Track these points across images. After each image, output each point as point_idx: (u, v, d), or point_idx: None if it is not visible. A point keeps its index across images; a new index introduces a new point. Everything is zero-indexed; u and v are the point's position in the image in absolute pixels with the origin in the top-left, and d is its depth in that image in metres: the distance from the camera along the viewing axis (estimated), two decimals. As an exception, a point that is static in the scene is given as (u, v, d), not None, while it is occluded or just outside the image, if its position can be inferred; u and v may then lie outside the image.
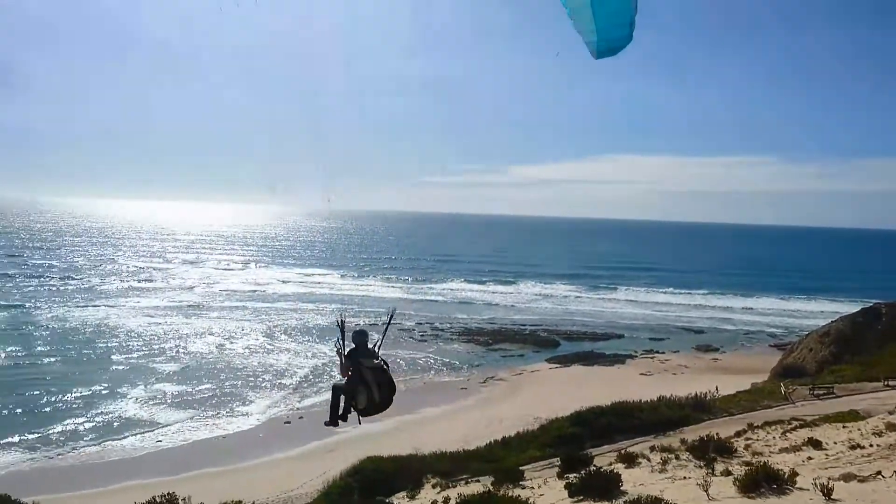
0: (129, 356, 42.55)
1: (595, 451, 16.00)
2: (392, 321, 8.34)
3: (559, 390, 36.86)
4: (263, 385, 37.64)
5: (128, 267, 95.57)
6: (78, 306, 59.72)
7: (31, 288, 70.36)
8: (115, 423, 30.75)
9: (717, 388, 29.21)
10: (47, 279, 77.74)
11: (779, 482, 8.54)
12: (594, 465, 13.36)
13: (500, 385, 39.04)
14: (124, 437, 29.23)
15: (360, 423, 8.23)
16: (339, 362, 7.82)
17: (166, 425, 30.88)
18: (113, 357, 42.19)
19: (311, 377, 39.78)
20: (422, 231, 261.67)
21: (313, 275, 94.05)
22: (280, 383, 38.10)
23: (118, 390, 35.23)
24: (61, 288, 71.54)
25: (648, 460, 13.76)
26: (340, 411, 8.16)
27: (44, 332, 48.43)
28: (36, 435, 28.75)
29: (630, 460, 13.75)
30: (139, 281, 79.93)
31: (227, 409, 33.43)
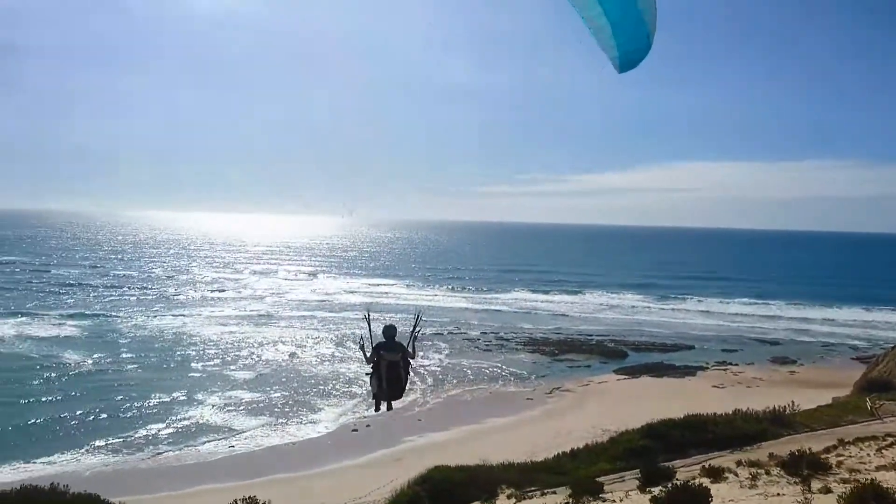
0: (205, 364, 43.95)
1: (674, 464, 15.51)
2: (420, 322, 9.14)
3: (628, 402, 36.12)
4: (332, 393, 38.24)
5: (202, 277, 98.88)
6: (156, 315, 62.14)
7: (112, 297, 73.63)
8: (192, 429, 31.78)
9: (792, 403, 28.05)
10: (127, 289, 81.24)
11: (887, 500, 8.12)
12: (677, 479, 12.97)
13: (567, 396, 38.53)
14: (200, 442, 30.14)
15: (390, 408, 9.12)
16: (363, 355, 8.82)
17: (240, 431, 31.72)
18: (189, 364, 43.65)
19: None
20: (485, 241, 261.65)
21: (379, 285, 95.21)
22: (348, 392, 38.62)
23: (195, 397, 36.42)
24: (140, 298, 74.59)
25: (736, 475, 13.25)
26: (377, 398, 9.16)
27: (125, 340, 50.53)
28: (119, 439, 29.96)
29: (716, 475, 13.27)
30: (212, 291, 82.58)
31: (298, 417, 34.10)
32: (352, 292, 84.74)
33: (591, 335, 58.18)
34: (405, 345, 9.00)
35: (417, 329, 9.02)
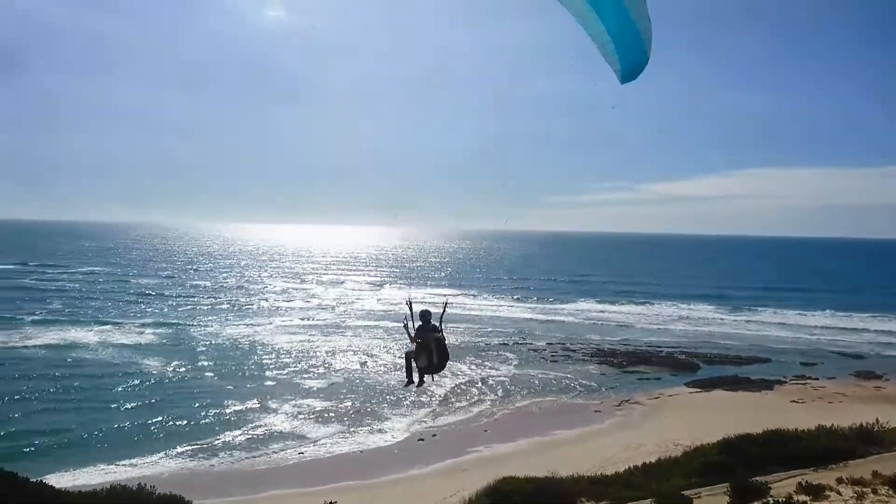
0: (276, 372, 44.95)
1: (766, 480, 14.81)
2: (446, 309, 11.10)
3: (701, 416, 34.99)
4: (399, 402, 38.46)
5: (272, 287, 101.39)
6: (229, 324, 64.02)
7: (188, 306, 76.28)
8: (264, 435, 32.50)
9: (877, 420, 26.59)
10: (202, 298, 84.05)
11: None
12: (771, 496, 12.38)
13: (637, 409, 37.66)
14: (272, 449, 30.81)
15: (422, 382, 10.77)
16: (408, 334, 10.59)
17: (310, 438, 32.28)
18: (261, 372, 44.74)
19: (444, 396, 40.20)
20: (550, 250, 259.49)
21: (444, 295, 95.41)
22: (415, 401, 38.74)
23: (266, 404, 37.28)
24: (214, 307, 77.01)
25: (839, 493, 12.58)
26: (411, 374, 10.76)
27: (200, 348, 52.21)
28: (195, 444, 30.95)
29: (816, 492, 12.61)
30: (282, 301, 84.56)
31: (366, 425, 34.44)
32: (418, 302, 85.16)
33: (660, 347, 56.79)
34: (438, 326, 10.86)
35: (443, 314, 11.02)
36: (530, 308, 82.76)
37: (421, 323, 10.81)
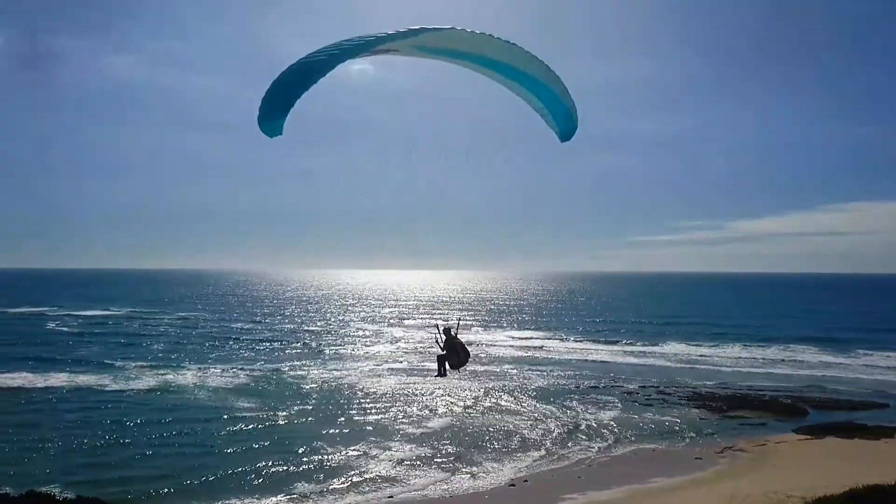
0: (365, 415, 45.05)
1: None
2: (459, 324, 14.79)
3: (814, 465, 32.55)
4: (490, 447, 37.73)
5: (359, 331, 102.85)
6: (319, 367, 65.04)
7: (278, 350, 78.25)
8: (353, 477, 32.38)
9: None
10: (290, 342, 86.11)
11: None
12: None
13: (741, 456, 35.44)
14: (361, 491, 30.65)
15: (446, 373, 14.82)
16: (438, 342, 14.42)
17: (399, 481, 31.97)
18: (351, 416, 44.94)
19: (535, 440, 39.19)
20: (636, 291, 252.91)
21: (531, 338, 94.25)
22: (504, 446, 37.98)
23: (356, 447, 37.27)
24: (303, 350, 78.65)
25: None
26: (443, 370, 14.56)
27: (291, 392, 53.12)
28: (287, 488, 31.18)
29: None
30: (370, 344, 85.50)
31: (456, 469, 33.85)
32: (503, 345, 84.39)
33: (762, 390, 53.70)
34: (455, 338, 14.55)
35: (457, 326, 14.80)
36: (619, 350, 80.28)
37: (446, 337, 14.54)
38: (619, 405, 48.38)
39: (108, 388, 52.41)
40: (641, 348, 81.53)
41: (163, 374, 58.71)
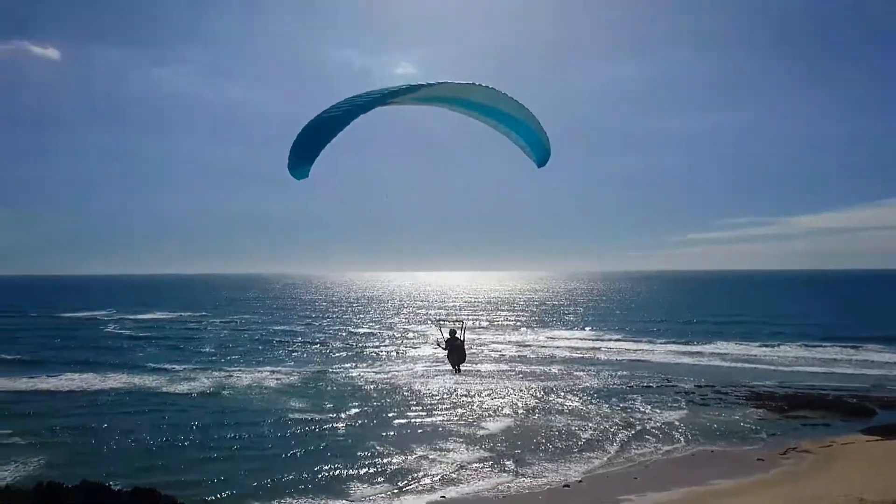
0: (416, 415, 44.90)
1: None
2: (465, 326, 16.29)
3: (886, 467, 31.01)
4: (543, 447, 37.10)
5: (407, 331, 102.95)
6: (370, 368, 65.38)
7: (330, 352, 78.84)
8: (404, 477, 32.18)
9: None
10: (342, 343, 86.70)
11: None
12: None
13: (806, 458, 34.00)
14: (411, 490, 30.38)
15: (459, 370, 16.10)
16: (440, 343, 15.64)
17: (451, 481, 31.62)
18: (402, 415, 44.84)
19: (590, 441, 38.40)
20: (684, 290, 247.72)
21: (580, 337, 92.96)
22: (558, 447, 37.27)
23: (406, 445, 37.16)
24: (355, 351, 79.05)
25: None
26: (454, 366, 15.78)
27: (343, 392, 53.35)
28: (341, 487, 31.07)
29: None
30: (417, 344, 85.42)
31: (510, 470, 33.35)
32: (555, 345, 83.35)
33: (824, 390, 51.66)
34: (461, 338, 15.85)
35: (463, 329, 16.20)
36: (671, 350, 78.32)
37: (449, 338, 15.58)
38: (674, 405, 47.11)
39: (162, 390, 53.41)
40: (694, 348, 79.44)
41: (215, 376, 59.59)
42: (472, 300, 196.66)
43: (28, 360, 69.71)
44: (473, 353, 77.12)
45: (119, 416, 44.13)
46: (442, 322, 17.01)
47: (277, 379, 58.60)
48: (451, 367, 15.89)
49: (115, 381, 57.14)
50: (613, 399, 49.23)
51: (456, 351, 15.10)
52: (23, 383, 55.59)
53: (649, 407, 46.50)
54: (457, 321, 16.89)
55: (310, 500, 29.20)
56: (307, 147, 11.35)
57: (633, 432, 40.14)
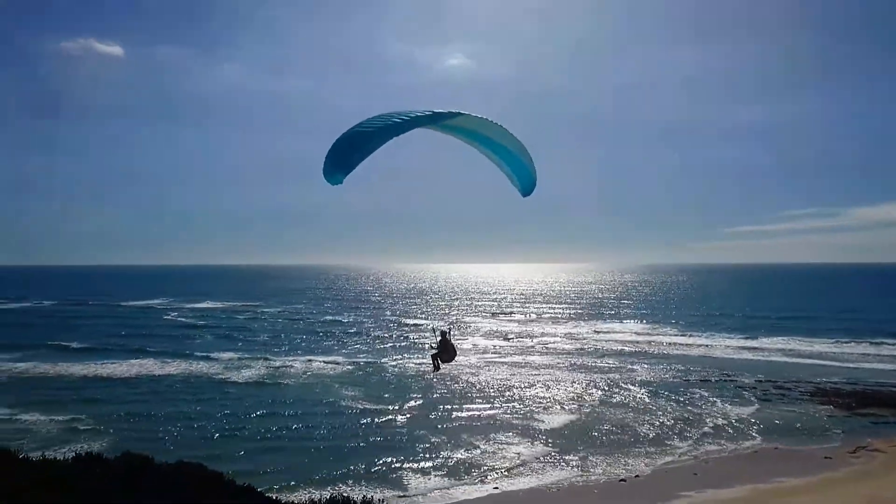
0: (472, 406, 44.61)
1: None
2: (449, 329, 16.65)
3: (966, 468, 29.36)
4: (598, 440, 36.41)
5: (461, 323, 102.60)
6: (421, 359, 65.20)
7: (382, 340, 79.16)
8: (459, 468, 31.96)
9: None
10: (400, 333, 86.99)
11: None
12: None
13: (878, 457, 32.46)
14: (465, 481, 30.10)
15: (439, 368, 16.34)
16: (433, 344, 16.25)
17: (506, 473, 31.24)
18: (458, 406, 44.63)
19: (646, 433, 37.51)
20: (741, 283, 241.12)
21: (634, 330, 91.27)
22: (614, 440, 36.53)
23: (462, 437, 36.94)
24: (405, 342, 79.23)
25: None
26: (436, 365, 16.22)
27: (398, 382, 53.47)
28: (389, 473, 31.14)
29: None
30: (471, 335, 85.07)
31: (566, 462, 32.77)
32: (610, 339, 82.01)
33: (895, 387, 49.37)
34: (449, 338, 16.22)
35: (451, 332, 16.57)
36: (729, 344, 75.90)
37: (440, 337, 16.13)
38: (734, 400, 45.66)
39: (218, 378, 54.44)
40: (753, 342, 76.89)
41: (269, 365, 60.47)
42: (522, 292, 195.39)
43: (90, 347, 71.93)
44: (527, 345, 76.60)
45: (177, 403, 45.08)
46: (435, 326, 18.55)
47: (331, 368, 59.11)
48: (432, 365, 16.37)
49: (174, 367, 58.56)
50: (670, 393, 48.03)
51: (447, 351, 15.77)
52: (86, 369, 57.40)
53: (708, 402, 45.18)
54: (450, 324, 18.46)
55: (365, 490, 29.15)
56: (344, 158, 12.07)
57: (691, 427, 39.03)
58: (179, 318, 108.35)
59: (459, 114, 12.37)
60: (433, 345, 16.33)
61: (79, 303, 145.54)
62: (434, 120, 12.32)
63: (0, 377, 53.76)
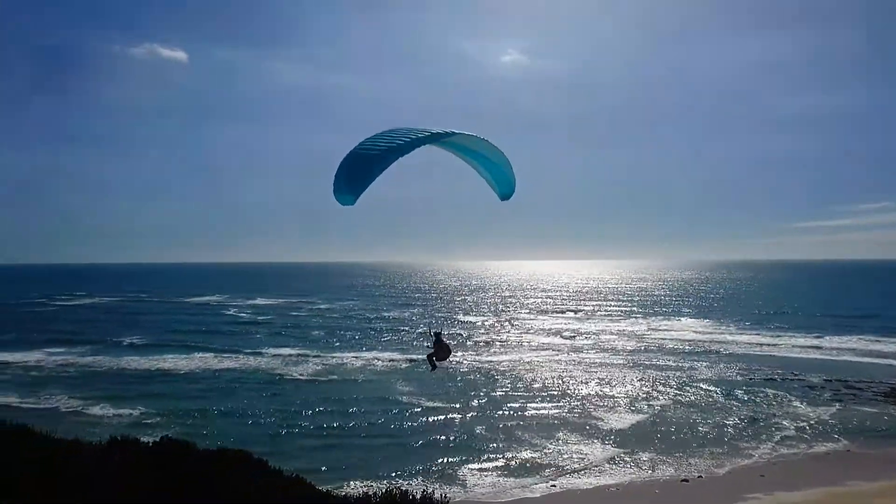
0: (529, 402, 44.19)
1: None
2: (439, 330, 17.13)
3: None
4: (659, 439, 35.46)
5: (516, 320, 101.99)
6: (478, 355, 65.01)
7: (448, 340, 78.88)
8: (517, 464, 31.54)
9: None
10: (447, 330, 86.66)
11: None
12: None
13: (961, 461, 30.59)
14: (522, 478, 29.65)
15: (436, 367, 16.74)
16: (430, 344, 16.67)
17: (564, 470, 30.68)
18: (515, 402, 44.27)
19: (709, 433, 36.35)
20: (815, 281, 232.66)
21: (695, 328, 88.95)
22: (676, 439, 35.50)
23: (519, 434, 36.45)
24: (469, 337, 78.85)
25: None
26: (433, 364, 16.56)
27: (452, 378, 53.14)
28: (443, 469, 30.90)
29: None
30: (531, 332, 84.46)
31: (624, 461, 32.00)
32: (670, 337, 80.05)
33: (980, 389, 46.64)
34: (443, 339, 16.79)
35: (440, 332, 16.97)
36: (797, 344, 72.75)
37: (435, 338, 16.80)
38: (802, 400, 43.88)
39: (275, 372, 55.20)
40: (821, 341, 73.45)
41: (326, 360, 61.08)
42: (576, 289, 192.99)
43: (152, 342, 73.82)
44: (583, 342, 75.51)
45: (235, 398, 45.68)
46: (431, 326, 18.92)
47: (386, 364, 59.27)
48: (429, 365, 16.87)
49: (232, 362, 59.70)
50: (734, 391, 46.48)
51: (441, 349, 16.57)
52: (148, 363, 59.11)
53: (775, 401, 43.54)
54: (441, 325, 19.14)
55: (422, 487, 28.95)
56: (357, 180, 12.43)
57: (757, 427, 37.64)
58: (236, 314, 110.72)
59: (454, 133, 13.22)
60: (429, 345, 17.18)
61: (138, 299, 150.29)
62: (434, 139, 13.00)
63: (68, 370, 55.70)
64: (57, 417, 38.04)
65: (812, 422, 38.37)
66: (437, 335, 17.14)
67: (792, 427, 37.41)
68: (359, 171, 12.39)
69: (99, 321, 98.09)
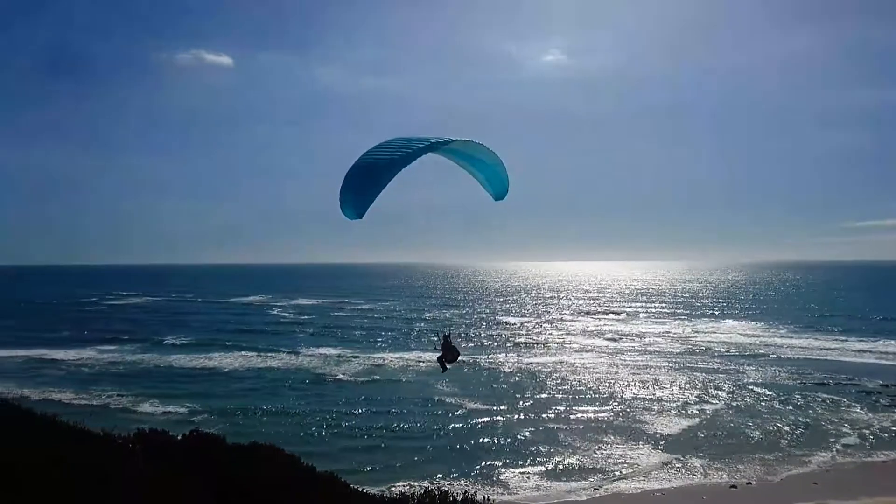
0: (571, 405, 43.67)
1: None
2: (451, 334, 17.65)
3: None
4: (707, 443, 34.71)
5: (557, 322, 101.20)
6: (520, 356, 64.66)
7: (481, 338, 78.84)
8: (558, 469, 31.12)
9: None
10: (496, 331, 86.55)
11: None
12: None
13: None
14: (564, 483, 29.26)
15: (447, 369, 17.28)
16: (439, 346, 17.21)
17: (606, 475, 30.17)
18: (555, 404, 43.86)
19: (759, 438, 35.41)
20: (862, 282, 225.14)
21: (744, 331, 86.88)
22: (725, 444, 34.71)
23: (560, 437, 36.07)
24: (508, 338, 78.66)
25: None
26: (444, 367, 17.03)
27: (494, 379, 52.98)
28: (493, 473, 30.64)
29: None
30: (571, 333, 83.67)
31: (668, 465, 31.35)
32: (718, 340, 78.31)
33: None
34: (450, 342, 17.19)
35: (449, 334, 17.51)
36: (850, 348, 69.89)
37: (444, 341, 17.19)
38: (857, 405, 42.42)
39: (317, 372, 55.67)
40: (876, 345, 70.70)
41: (368, 360, 61.40)
42: (619, 290, 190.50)
43: (198, 341, 75.23)
44: (627, 344, 74.48)
45: (279, 398, 46.14)
46: (439, 331, 20.75)
47: (429, 365, 59.14)
48: (440, 367, 17.29)
49: (276, 361, 60.45)
50: (784, 396, 45.19)
51: (450, 351, 16.99)
52: (194, 361, 60.30)
53: (828, 407, 42.18)
54: (450, 329, 19.50)
55: (464, 488, 28.78)
56: (364, 194, 12.58)
57: (808, 433, 36.51)
58: (279, 314, 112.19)
59: (453, 140, 13.45)
60: (438, 347, 17.53)
61: (184, 299, 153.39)
62: (434, 147, 13.12)
63: (118, 368, 57.10)
64: (108, 414, 38.95)
65: (870, 428, 37.03)
66: (446, 338, 17.59)
67: (848, 433, 36.17)
68: (364, 184, 12.52)
69: (147, 320, 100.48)
